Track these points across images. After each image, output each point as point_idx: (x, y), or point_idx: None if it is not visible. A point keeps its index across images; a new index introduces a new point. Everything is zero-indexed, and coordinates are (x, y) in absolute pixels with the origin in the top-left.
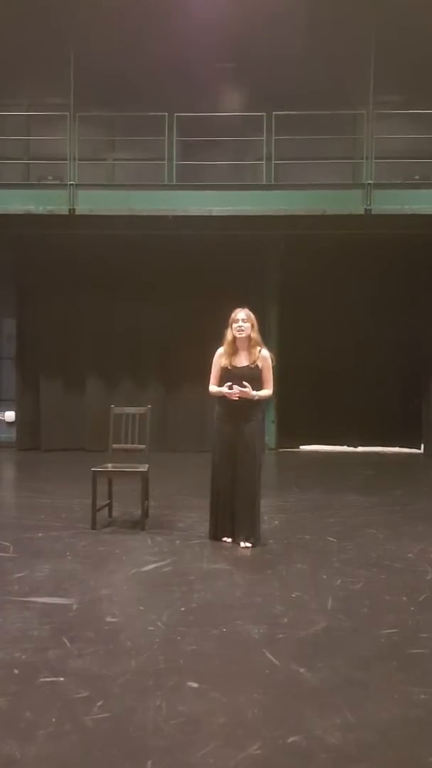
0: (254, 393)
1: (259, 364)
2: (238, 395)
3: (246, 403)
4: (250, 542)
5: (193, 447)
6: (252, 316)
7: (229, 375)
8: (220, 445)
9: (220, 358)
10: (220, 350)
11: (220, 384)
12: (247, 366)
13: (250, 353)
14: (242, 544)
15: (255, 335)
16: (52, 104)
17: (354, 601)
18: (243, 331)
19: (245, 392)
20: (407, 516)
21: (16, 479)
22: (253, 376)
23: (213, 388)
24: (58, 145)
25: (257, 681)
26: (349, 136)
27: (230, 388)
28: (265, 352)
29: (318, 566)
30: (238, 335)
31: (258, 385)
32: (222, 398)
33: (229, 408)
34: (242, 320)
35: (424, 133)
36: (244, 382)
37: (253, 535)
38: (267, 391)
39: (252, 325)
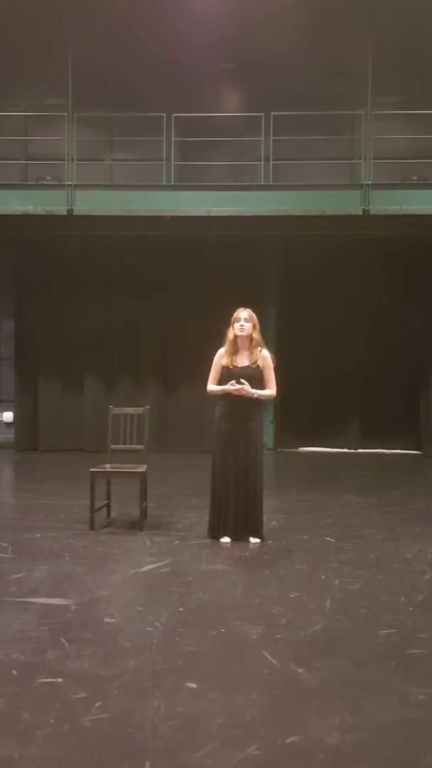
0: (253, 391)
1: (260, 363)
2: (244, 391)
3: (248, 402)
4: (259, 538)
5: (192, 448)
6: (254, 316)
7: (230, 374)
8: (222, 445)
9: (220, 358)
10: (221, 350)
11: (220, 384)
12: (249, 366)
13: (251, 353)
14: (252, 540)
15: (256, 335)
16: (51, 104)
17: (352, 601)
18: (244, 330)
19: (246, 389)
20: (405, 517)
21: (14, 480)
22: (254, 376)
23: (212, 387)
24: (56, 146)
25: (256, 682)
26: (348, 137)
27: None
28: (266, 352)
29: (316, 567)
30: (239, 334)
31: (258, 384)
32: (223, 398)
33: (231, 407)
34: (244, 319)
35: (423, 134)
36: (242, 380)
37: (261, 531)
38: (270, 391)
39: (254, 325)
